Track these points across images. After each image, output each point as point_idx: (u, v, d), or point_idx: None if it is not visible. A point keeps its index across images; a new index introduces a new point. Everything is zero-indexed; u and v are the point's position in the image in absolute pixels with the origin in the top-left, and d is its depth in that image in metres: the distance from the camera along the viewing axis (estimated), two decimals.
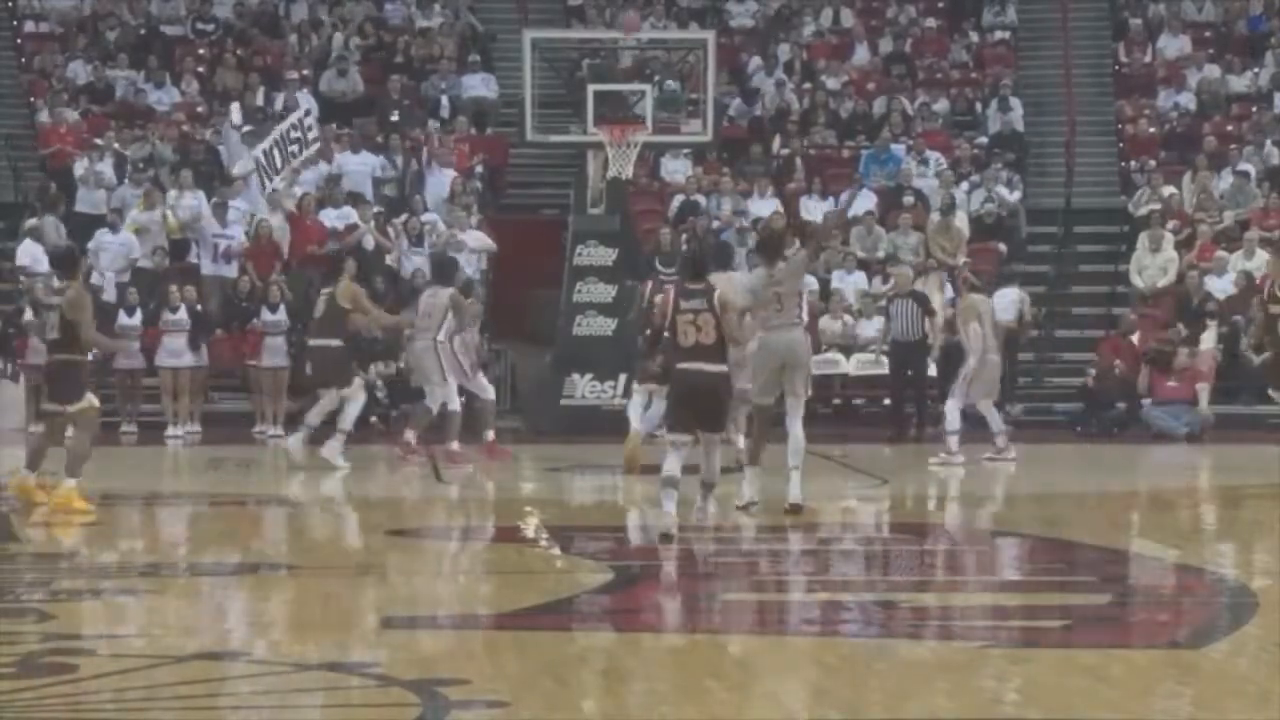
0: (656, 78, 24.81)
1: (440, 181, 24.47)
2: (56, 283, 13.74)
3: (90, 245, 22.27)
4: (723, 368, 11.74)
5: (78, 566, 11.40)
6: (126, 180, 24.17)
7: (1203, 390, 21.38)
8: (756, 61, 28.08)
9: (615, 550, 12.11)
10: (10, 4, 28.55)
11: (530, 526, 13.22)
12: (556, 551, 12.11)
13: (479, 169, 25.55)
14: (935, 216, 24.47)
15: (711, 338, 11.62)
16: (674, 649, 8.76)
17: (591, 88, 22.42)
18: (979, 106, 27.70)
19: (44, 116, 25.80)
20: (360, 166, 24.66)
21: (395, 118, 26.32)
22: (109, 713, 7.31)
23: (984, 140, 26.73)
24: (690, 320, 11.62)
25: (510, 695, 7.37)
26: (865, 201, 25.00)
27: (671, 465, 11.75)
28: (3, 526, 13.27)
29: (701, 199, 25.02)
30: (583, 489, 16.87)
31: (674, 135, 23.56)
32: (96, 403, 13.62)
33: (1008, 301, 20.03)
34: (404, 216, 23.84)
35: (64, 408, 13.32)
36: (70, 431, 13.62)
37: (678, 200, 25.12)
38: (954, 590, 10.63)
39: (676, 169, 25.89)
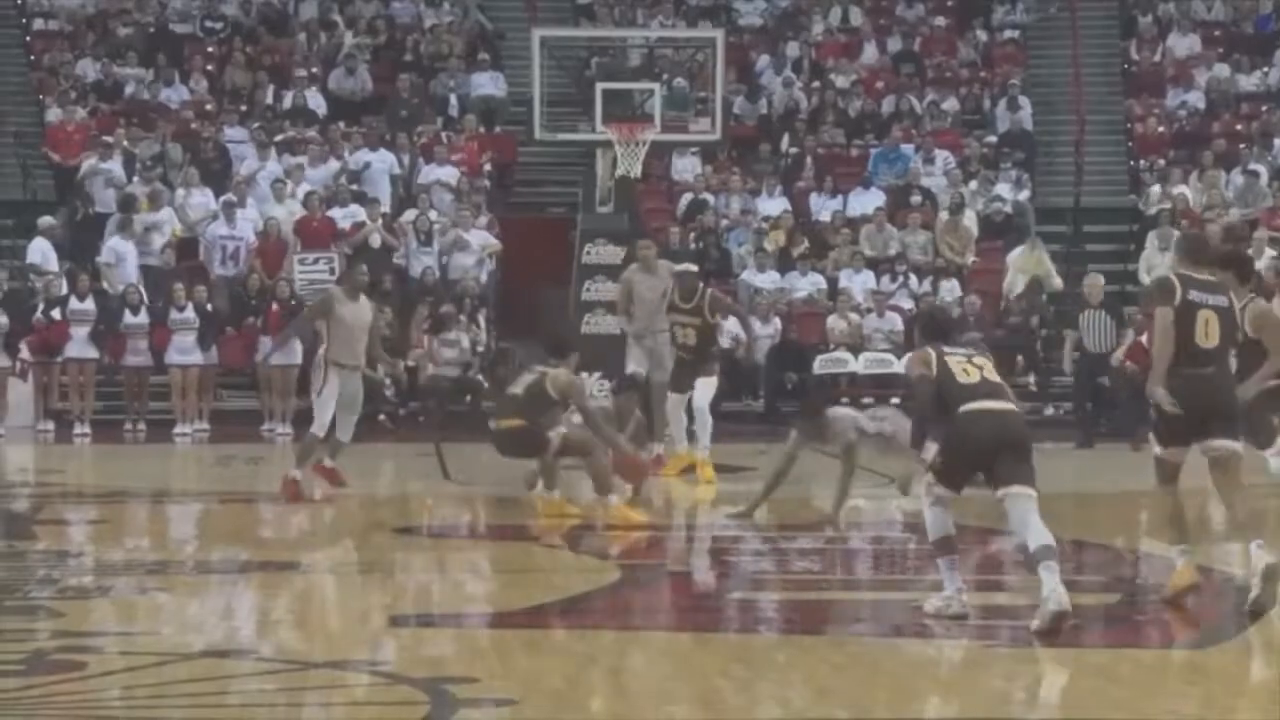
0: (665, 76, 24.80)
1: (443, 179, 24.46)
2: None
3: (106, 258, 22.29)
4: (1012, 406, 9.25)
5: (86, 564, 11.41)
6: (136, 179, 24.19)
7: None
8: (765, 60, 28.06)
9: (623, 549, 12.10)
10: (19, 2, 28.56)
11: (538, 525, 13.21)
12: (565, 550, 12.10)
13: (487, 167, 25.55)
14: (944, 215, 24.46)
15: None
16: (682, 648, 8.75)
17: (600, 86, 22.40)
18: (988, 105, 27.68)
19: (53, 115, 25.82)
20: (379, 164, 24.68)
21: (404, 116, 26.33)
22: (117, 710, 7.31)
23: (993, 139, 26.71)
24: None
25: (518, 694, 7.37)
26: (874, 200, 25.00)
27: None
28: (15, 524, 13.29)
29: (710, 197, 25.02)
30: (590, 487, 16.83)
31: (682, 134, 23.55)
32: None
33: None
34: (412, 215, 23.85)
35: None
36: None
37: (686, 199, 25.11)
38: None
39: (685, 167, 25.89)
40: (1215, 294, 9.43)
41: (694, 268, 16.93)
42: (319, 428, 14.21)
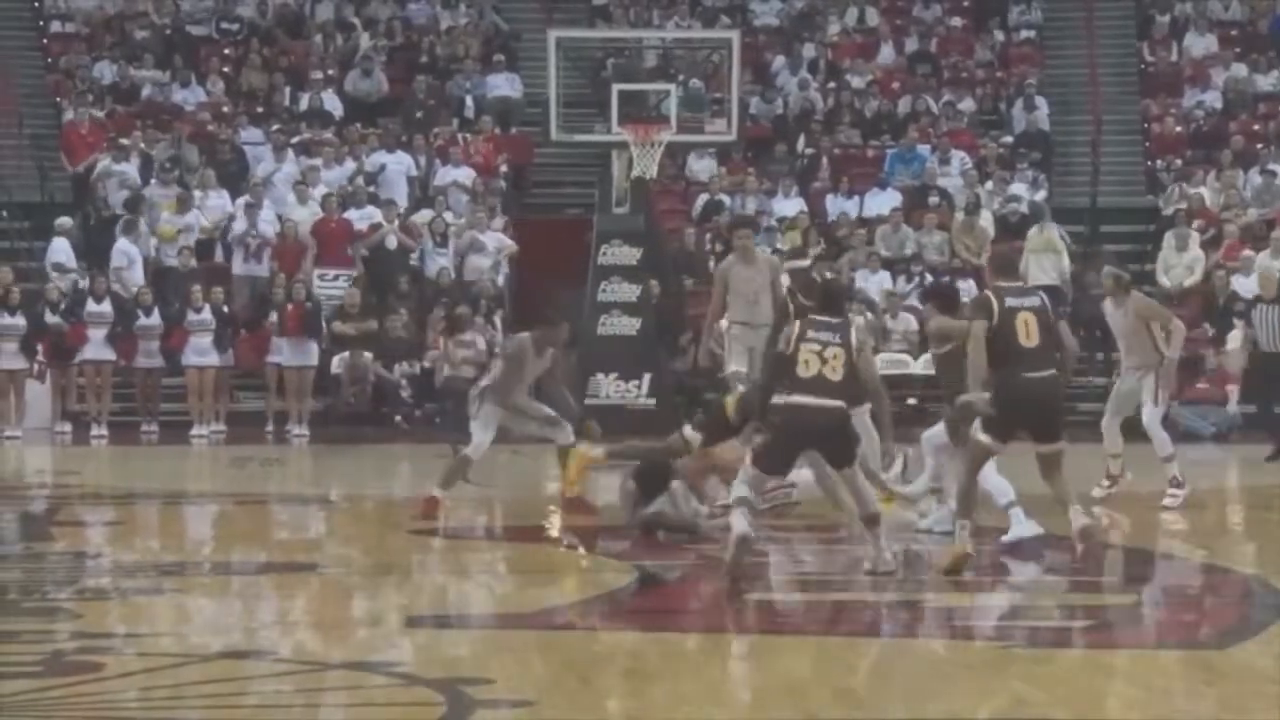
0: (681, 77, 24.80)
1: (459, 181, 24.48)
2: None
3: (116, 260, 22.32)
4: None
5: (104, 566, 11.43)
6: (154, 180, 24.25)
7: (1232, 391, 21.28)
8: (781, 60, 28.04)
9: (639, 550, 12.09)
10: (36, 4, 28.62)
11: (554, 526, 13.21)
12: (581, 551, 12.10)
13: (503, 168, 25.56)
14: (960, 216, 24.42)
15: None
16: (698, 649, 8.75)
17: (616, 87, 22.41)
18: (1004, 106, 27.64)
19: (69, 117, 25.87)
20: (396, 165, 24.70)
21: (420, 117, 26.35)
22: (135, 712, 7.32)
23: (1009, 139, 26.67)
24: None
25: (535, 695, 7.37)
26: (890, 200, 24.96)
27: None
28: (32, 526, 13.32)
29: (726, 198, 25.00)
30: (607, 489, 16.84)
31: (698, 135, 23.54)
32: None
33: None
34: (428, 216, 23.87)
35: None
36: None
37: (702, 200, 25.10)
38: (978, 590, 10.59)
39: (701, 168, 25.88)
40: None
41: (805, 263, 15.87)
42: (475, 451, 13.39)
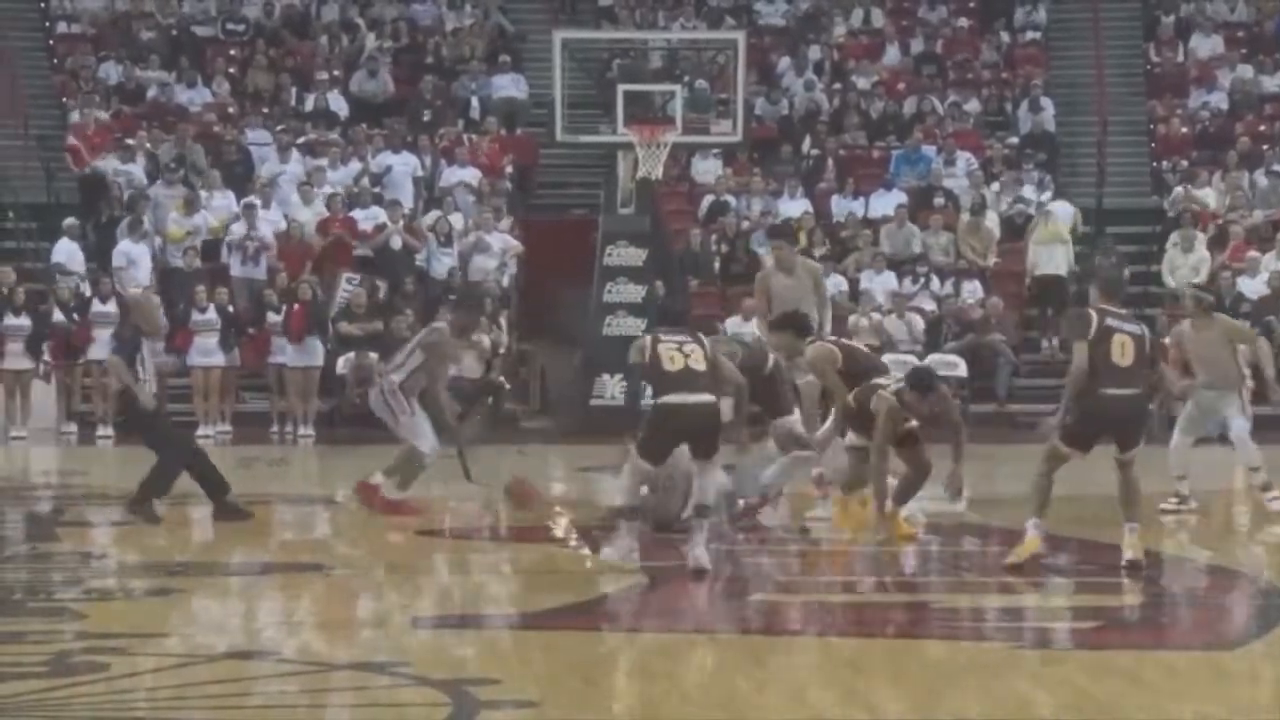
0: (686, 78, 24.79)
1: (465, 181, 24.48)
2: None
3: (118, 262, 22.32)
4: None
5: (110, 566, 11.43)
6: (159, 181, 24.26)
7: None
8: (786, 61, 28.03)
9: (644, 551, 12.08)
10: (43, 5, 28.64)
11: (560, 527, 13.21)
12: (586, 552, 12.09)
13: (509, 169, 25.56)
14: (965, 217, 24.42)
15: None
16: (702, 649, 8.74)
17: (621, 88, 22.41)
18: (1010, 107, 27.62)
19: (75, 117, 25.89)
20: (402, 166, 24.71)
21: (426, 118, 26.36)
22: (140, 712, 7.32)
23: (1015, 140, 26.65)
24: None
25: (539, 695, 7.37)
26: (895, 201, 24.96)
27: None
28: (38, 526, 13.32)
29: (731, 199, 25.00)
30: (613, 490, 16.83)
31: (704, 135, 23.53)
32: None
33: None
34: (434, 217, 23.87)
35: None
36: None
37: (708, 200, 25.09)
38: (985, 591, 10.59)
39: (706, 169, 25.87)
40: None
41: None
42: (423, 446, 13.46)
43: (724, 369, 11.40)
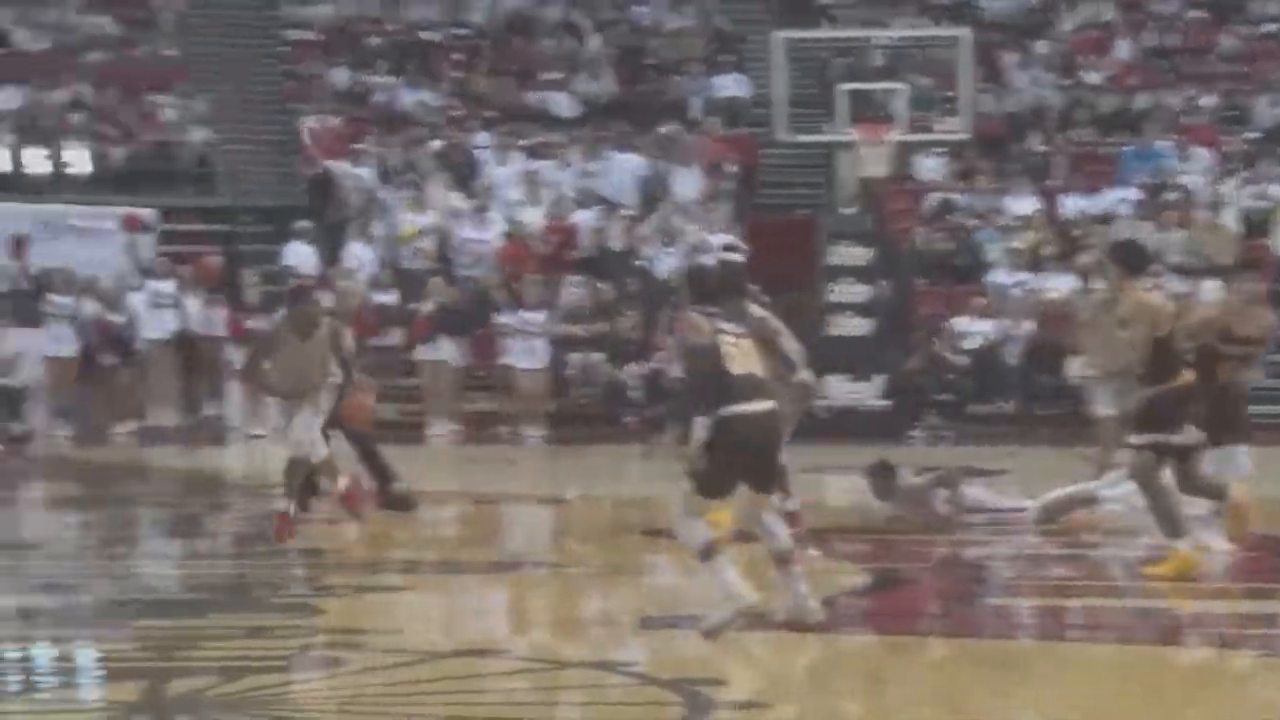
0: (910, 76, 24.55)
1: (689, 181, 24.51)
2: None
3: (348, 263, 22.72)
4: None
5: (344, 563, 11.63)
6: (388, 184, 24.66)
7: None
8: (1013, 57, 27.61)
9: (872, 553, 11.99)
10: (274, 13, 29.28)
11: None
12: (814, 553, 12.01)
13: (732, 169, 25.53)
14: (1202, 214, 23.81)
15: None
16: (933, 652, 8.63)
17: (843, 87, 22.27)
18: (1248, 101, 26.88)
19: (307, 122, 26.40)
20: (623, 167, 24.83)
21: (648, 118, 26.44)
22: (378, 707, 7.42)
23: (1256, 135, 25.91)
24: None
25: (768, 697, 7.33)
26: (1127, 198, 24.42)
27: None
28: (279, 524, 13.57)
29: (956, 197, 24.69)
30: (840, 490, 16.73)
31: (928, 133, 23.28)
32: None
33: None
34: (656, 217, 23.93)
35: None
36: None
37: (932, 199, 24.82)
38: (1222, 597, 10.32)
39: (930, 167, 25.58)
40: None
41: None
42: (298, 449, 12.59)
43: (785, 342, 9.73)
